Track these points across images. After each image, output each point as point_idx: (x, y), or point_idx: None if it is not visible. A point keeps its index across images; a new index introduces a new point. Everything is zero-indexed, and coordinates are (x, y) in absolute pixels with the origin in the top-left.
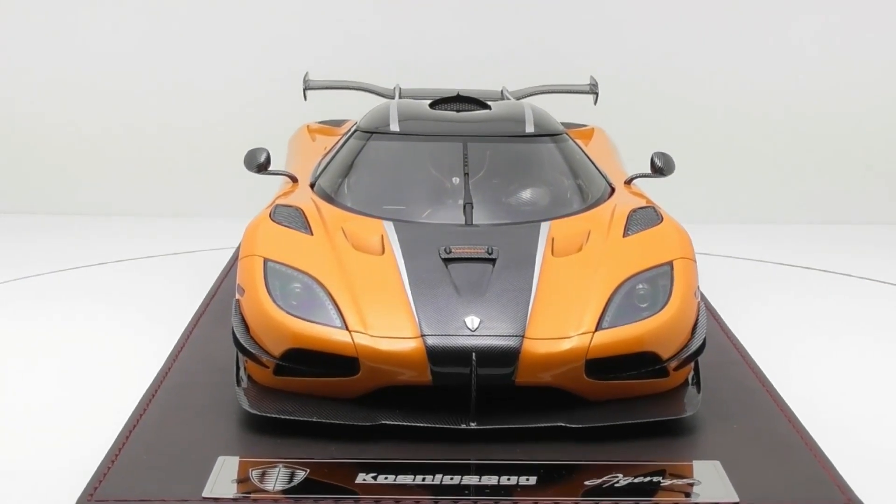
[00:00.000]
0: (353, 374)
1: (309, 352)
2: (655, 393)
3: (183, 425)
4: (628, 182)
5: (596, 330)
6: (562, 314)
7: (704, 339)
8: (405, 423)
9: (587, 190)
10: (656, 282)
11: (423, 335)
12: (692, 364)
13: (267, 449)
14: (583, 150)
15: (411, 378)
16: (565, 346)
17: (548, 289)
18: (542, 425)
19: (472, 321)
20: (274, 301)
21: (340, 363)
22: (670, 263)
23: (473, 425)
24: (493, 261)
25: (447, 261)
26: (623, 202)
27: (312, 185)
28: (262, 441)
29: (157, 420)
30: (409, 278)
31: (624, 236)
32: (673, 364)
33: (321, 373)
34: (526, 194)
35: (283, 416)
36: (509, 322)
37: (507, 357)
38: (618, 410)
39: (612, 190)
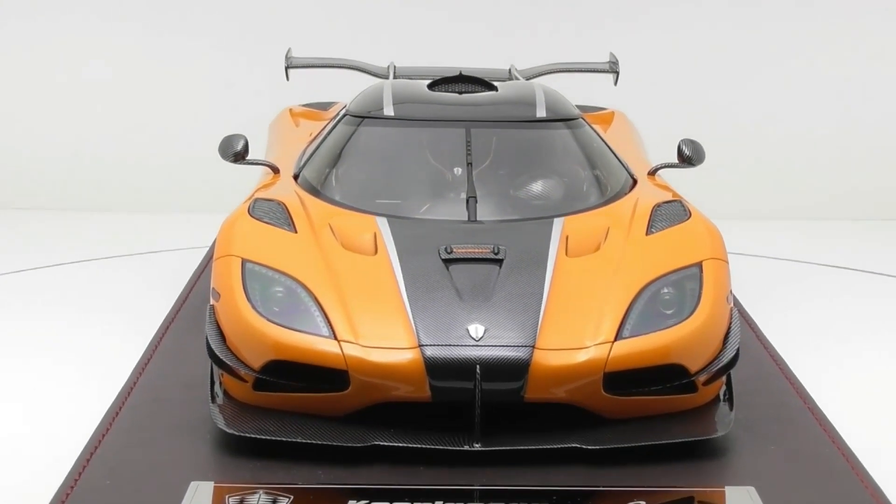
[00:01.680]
0: (342, 388)
1: (293, 364)
2: (682, 410)
3: (150, 447)
4: (652, 173)
5: (615, 339)
6: (577, 322)
7: (738, 350)
8: (401, 445)
9: (606, 182)
10: (683, 285)
11: (420, 345)
12: (724, 378)
13: (245, 473)
14: (601, 137)
15: (408, 393)
16: (581, 357)
17: (562, 293)
18: (555, 447)
19: (477, 329)
20: (253, 307)
21: (328, 377)
22: (699, 264)
23: (477, 447)
24: (499, 261)
25: (448, 261)
26: (646, 195)
27: (296, 177)
28: (239, 464)
29: (121, 441)
30: (406, 281)
31: (647, 234)
32: (702, 378)
33: (306, 387)
34: (537, 187)
35: (263, 437)
36: (518, 331)
37: (516, 370)
38: (640, 430)
39: (634, 182)
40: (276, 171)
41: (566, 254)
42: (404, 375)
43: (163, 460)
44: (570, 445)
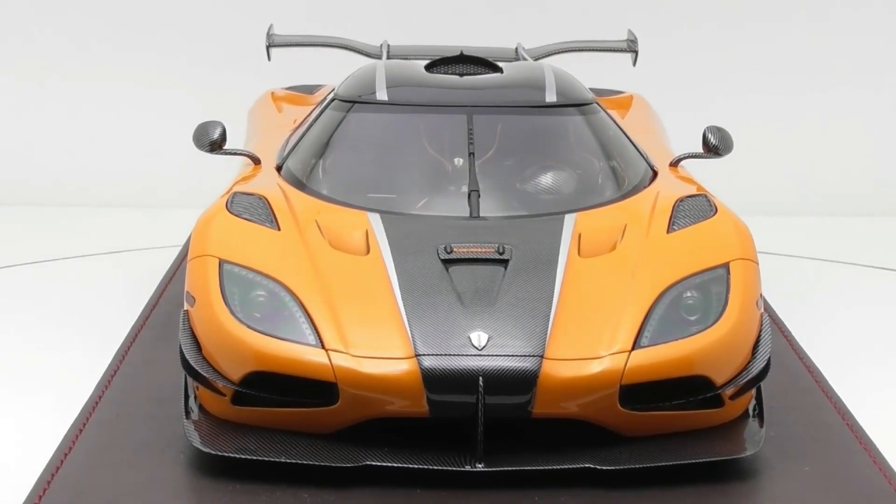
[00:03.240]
0: (330, 403)
1: (276, 375)
2: (707, 427)
3: (118, 468)
4: (675, 164)
5: (633, 348)
6: (591, 329)
7: (769, 361)
8: (395, 465)
9: (623, 174)
10: (709, 289)
11: (417, 355)
12: (753, 391)
13: (224, 497)
14: (617, 124)
15: (403, 408)
16: (595, 368)
17: (574, 297)
18: (566, 467)
19: (479, 338)
20: (232, 313)
21: (315, 390)
22: (726, 266)
23: (480, 467)
24: (504, 262)
25: (448, 262)
26: (668, 189)
27: (279, 168)
28: (217, 487)
29: (84, 463)
30: (401, 284)
31: (668, 232)
32: (729, 391)
33: (291, 402)
34: (546, 180)
35: (243, 456)
36: (525, 339)
37: (523, 382)
38: (659, 449)
39: (655, 173)
40: (256, 161)
41: (578, 253)
42: (399, 388)
43: (131, 484)
44: (582, 466)
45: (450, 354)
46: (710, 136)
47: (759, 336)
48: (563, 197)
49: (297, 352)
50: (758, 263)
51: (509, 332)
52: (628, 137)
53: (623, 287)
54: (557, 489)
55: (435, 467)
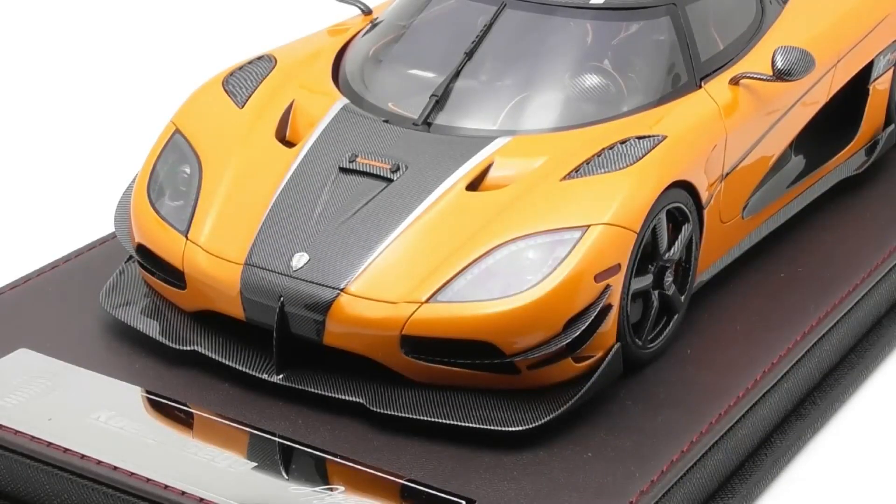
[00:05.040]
0: (181, 287)
1: (153, 253)
2: (510, 388)
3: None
4: (735, 81)
5: (427, 301)
6: (404, 272)
7: (583, 337)
8: (212, 356)
9: (636, 87)
10: (551, 250)
11: (246, 263)
12: (572, 359)
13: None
14: (685, 32)
15: (224, 308)
16: (379, 312)
17: (417, 234)
18: (342, 398)
19: (299, 259)
20: (148, 184)
21: (173, 273)
22: (584, 229)
23: (277, 379)
24: (389, 181)
25: (344, 171)
26: (641, 122)
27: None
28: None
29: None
30: (285, 187)
31: (565, 178)
32: (524, 361)
33: (163, 278)
34: (524, 94)
35: (115, 315)
36: (337, 269)
37: (315, 310)
38: (438, 405)
39: (699, 86)
40: (367, 12)
41: (467, 186)
42: (222, 289)
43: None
44: (354, 400)
45: (267, 269)
46: (777, 58)
47: (585, 310)
48: (522, 116)
49: (165, 236)
50: (636, 232)
51: (330, 259)
52: (688, 45)
53: (472, 232)
54: (342, 416)
55: (242, 369)
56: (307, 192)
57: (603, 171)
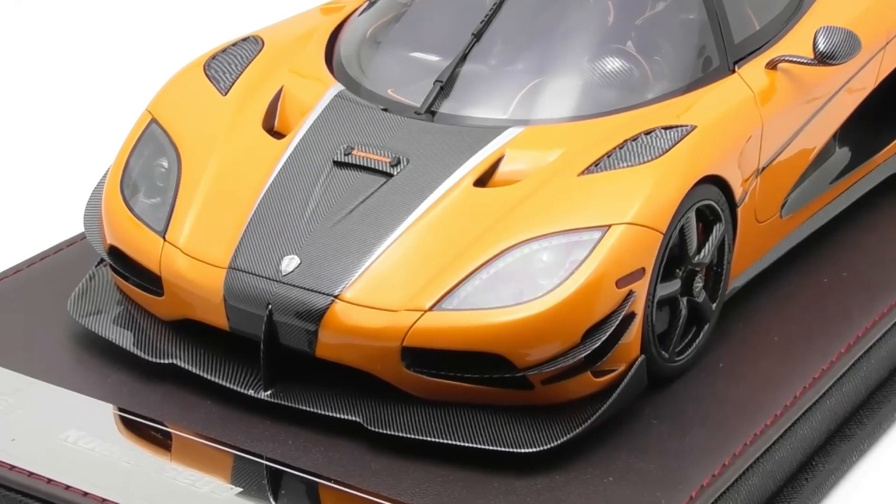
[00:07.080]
0: (158, 294)
1: (126, 256)
2: (523, 404)
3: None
4: (772, 66)
5: (431, 309)
6: (405, 277)
7: (604, 347)
8: (193, 371)
9: (663, 72)
10: (568, 252)
11: (230, 267)
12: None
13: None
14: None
15: (206, 316)
16: (378, 321)
17: (420, 234)
18: (338, 416)
19: (289, 262)
20: (121, 179)
21: (149, 278)
22: (604, 229)
23: (264, 395)
24: (389, 176)
25: (338, 164)
26: (666, 111)
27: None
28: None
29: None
30: (271, 186)
31: (583, 174)
32: (538, 375)
33: (138, 283)
34: (539, 79)
35: (85, 325)
36: (332, 274)
37: (306, 319)
38: (441, 423)
39: (732, 71)
40: None
41: (476, 181)
42: (202, 295)
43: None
44: (349, 418)
45: (253, 273)
46: (819, 39)
47: (606, 319)
48: (536, 104)
49: (141, 237)
50: (662, 232)
51: (322, 262)
52: (719, 24)
53: (477, 234)
54: (337, 436)
55: (226, 384)
56: (298, 188)
57: (625, 164)
